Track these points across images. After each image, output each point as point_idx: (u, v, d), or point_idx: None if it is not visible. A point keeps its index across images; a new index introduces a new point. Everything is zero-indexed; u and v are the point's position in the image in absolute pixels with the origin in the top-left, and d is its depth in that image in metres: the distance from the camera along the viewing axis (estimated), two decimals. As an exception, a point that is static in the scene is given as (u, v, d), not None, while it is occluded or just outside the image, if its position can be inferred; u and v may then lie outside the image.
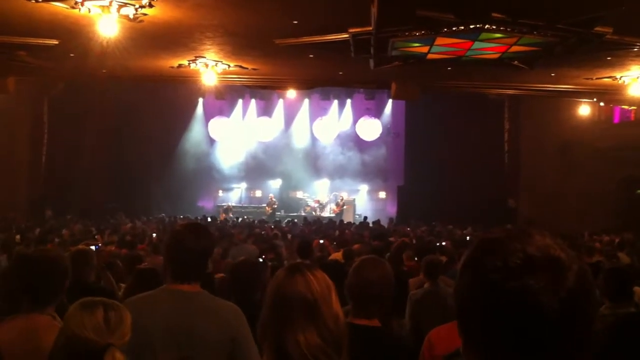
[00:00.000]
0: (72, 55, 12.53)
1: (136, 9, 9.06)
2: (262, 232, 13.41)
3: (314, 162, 24.99)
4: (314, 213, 22.92)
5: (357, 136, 24.63)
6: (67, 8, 9.11)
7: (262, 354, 1.81)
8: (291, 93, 20.28)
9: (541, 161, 18.95)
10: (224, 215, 22.61)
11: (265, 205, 24.14)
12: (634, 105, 15.93)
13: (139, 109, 21.71)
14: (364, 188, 25.18)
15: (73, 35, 10.66)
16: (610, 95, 15.49)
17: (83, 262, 4.28)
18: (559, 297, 0.93)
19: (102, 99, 20.53)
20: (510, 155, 19.84)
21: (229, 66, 13.41)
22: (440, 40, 10.54)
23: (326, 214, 23.11)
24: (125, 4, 8.89)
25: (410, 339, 4.21)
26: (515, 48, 11.00)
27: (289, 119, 25.38)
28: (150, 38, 11.04)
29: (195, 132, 24.96)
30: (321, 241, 10.37)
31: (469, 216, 17.08)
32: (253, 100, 25.22)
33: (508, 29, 9.46)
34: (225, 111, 25.31)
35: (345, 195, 23.79)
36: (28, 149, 19.39)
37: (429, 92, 16.61)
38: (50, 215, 18.29)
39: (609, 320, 2.61)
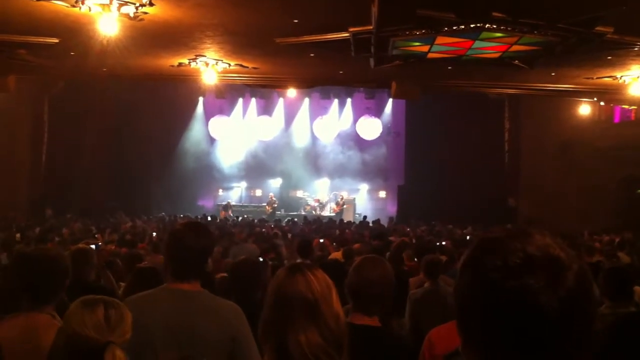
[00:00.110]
0: (72, 53, 12.52)
1: (136, 8, 9.07)
2: (263, 231, 13.41)
3: (314, 161, 24.95)
4: (314, 212, 22.88)
5: (358, 135, 24.58)
6: (67, 6, 9.12)
7: (263, 354, 1.81)
8: (291, 92, 20.23)
9: (541, 161, 18.93)
10: (224, 212, 22.57)
11: (265, 204, 24.09)
12: (634, 105, 15.93)
13: (139, 108, 21.67)
14: (364, 187, 25.15)
15: (73, 34, 10.65)
16: (610, 94, 15.49)
17: (83, 261, 4.27)
18: (558, 296, 0.93)
19: (103, 98, 20.50)
20: (510, 154, 19.82)
21: (229, 65, 13.41)
22: (440, 40, 10.54)
23: (326, 213, 23.07)
24: (126, 3, 8.89)
25: (410, 338, 4.21)
26: (515, 47, 11.00)
27: (289, 118, 25.33)
28: (151, 37, 11.03)
29: (196, 131, 24.91)
30: (321, 240, 10.36)
31: (469, 216, 17.06)
32: (253, 99, 25.16)
33: (509, 29, 9.47)
34: (226, 110, 25.26)
35: (345, 195, 23.75)
36: (28, 148, 19.37)
37: (429, 92, 16.59)
38: (51, 214, 18.26)
39: (609, 319, 2.61)
